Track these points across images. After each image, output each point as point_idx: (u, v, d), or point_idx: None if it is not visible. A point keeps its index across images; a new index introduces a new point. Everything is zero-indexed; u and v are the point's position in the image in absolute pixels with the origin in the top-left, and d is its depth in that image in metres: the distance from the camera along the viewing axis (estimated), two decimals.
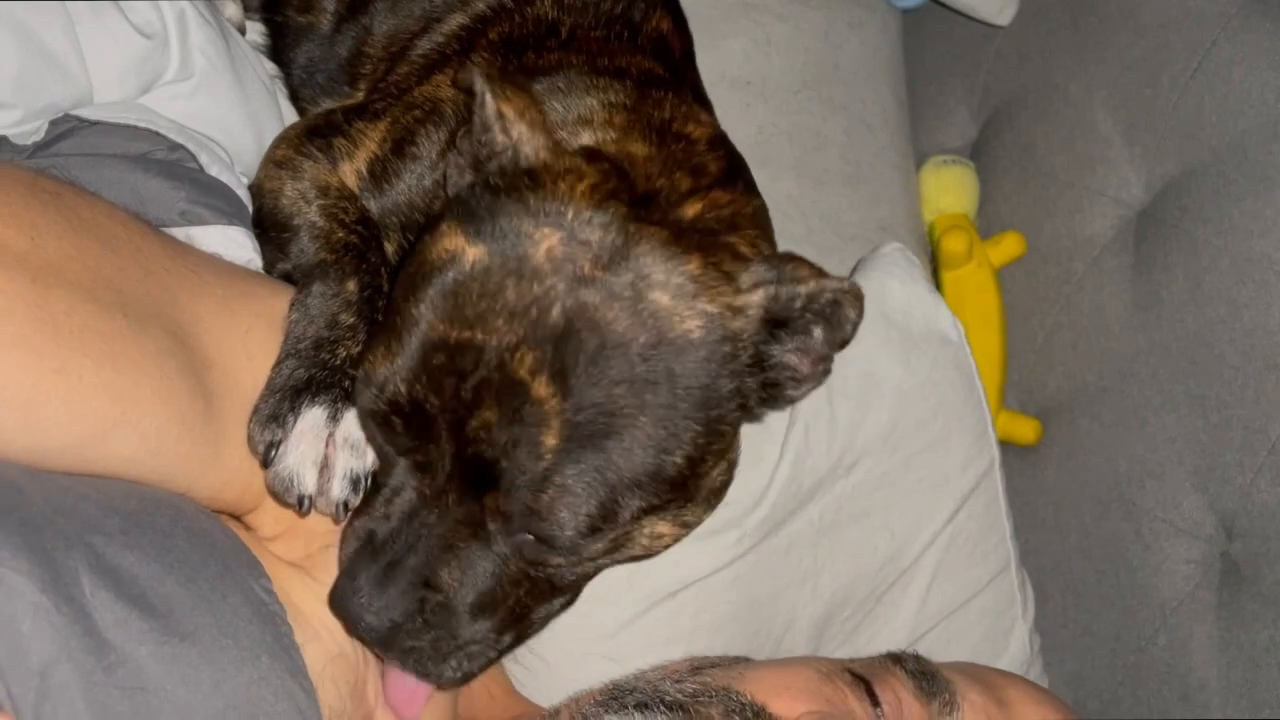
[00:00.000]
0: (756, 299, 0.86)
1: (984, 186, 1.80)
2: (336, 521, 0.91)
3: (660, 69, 1.14)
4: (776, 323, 0.87)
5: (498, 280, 0.82)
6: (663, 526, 0.90)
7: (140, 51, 1.06)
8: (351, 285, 0.96)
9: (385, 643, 0.87)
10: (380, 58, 1.25)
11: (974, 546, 1.30)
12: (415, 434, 0.83)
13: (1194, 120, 1.52)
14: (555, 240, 0.83)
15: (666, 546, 0.93)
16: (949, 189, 1.79)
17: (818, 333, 0.89)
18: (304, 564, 0.94)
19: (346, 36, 1.28)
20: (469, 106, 0.94)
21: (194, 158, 1.06)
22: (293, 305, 0.95)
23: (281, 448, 0.88)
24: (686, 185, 0.96)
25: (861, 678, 1.01)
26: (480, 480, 0.82)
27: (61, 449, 0.79)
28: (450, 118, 1.07)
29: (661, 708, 0.97)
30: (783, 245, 1.53)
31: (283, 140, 1.12)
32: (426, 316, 0.83)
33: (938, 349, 1.28)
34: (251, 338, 0.92)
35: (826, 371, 0.92)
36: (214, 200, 1.03)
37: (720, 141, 1.06)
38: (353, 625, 0.87)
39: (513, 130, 0.89)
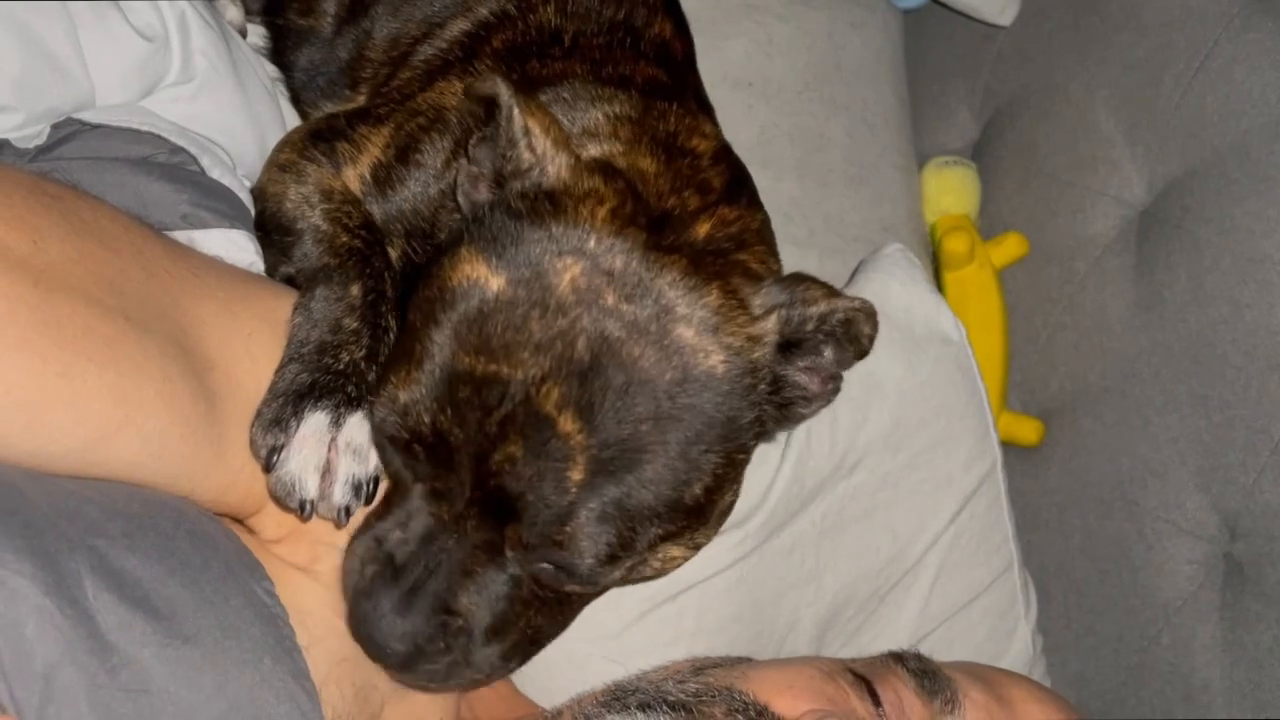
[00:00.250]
0: (772, 325, 0.87)
1: (986, 187, 1.80)
2: (338, 526, 0.91)
3: (663, 75, 1.14)
4: (789, 344, 0.89)
5: (523, 312, 0.82)
6: (675, 550, 0.91)
7: (142, 54, 1.06)
8: (355, 290, 0.96)
9: (405, 666, 0.87)
10: (381, 62, 1.25)
11: (977, 547, 1.30)
12: (436, 463, 0.84)
13: (1196, 120, 1.52)
14: (578, 270, 0.83)
15: (677, 566, 0.94)
16: (951, 190, 1.79)
17: (828, 352, 0.91)
18: (307, 567, 0.94)
19: (347, 40, 1.28)
20: (479, 115, 0.94)
21: (196, 161, 1.06)
22: (296, 309, 0.95)
23: (284, 452, 0.88)
24: (695, 203, 0.96)
25: (863, 677, 1.01)
26: (500, 511, 0.83)
27: (64, 452, 0.79)
28: (455, 126, 1.07)
29: (664, 707, 0.97)
30: (785, 247, 1.53)
31: (286, 144, 1.13)
32: (450, 346, 0.83)
33: (939, 350, 1.28)
34: (254, 340, 0.92)
35: (836, 390, 0.94)
36: (216, 203, 1.03)
37: (723, 154, 1.06)
38: (377, 650, 0.87)
39: (538, 146, 0.89)
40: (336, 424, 0.90)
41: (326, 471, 0.89)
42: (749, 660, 1.14)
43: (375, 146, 1.09)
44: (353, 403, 0.91)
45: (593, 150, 0.98)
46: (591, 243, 0.85)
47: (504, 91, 0.89)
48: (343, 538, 0.93)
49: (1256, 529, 1.39)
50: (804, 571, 1.20)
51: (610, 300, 0.83)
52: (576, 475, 0.80)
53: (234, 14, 1.33)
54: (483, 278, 0.84)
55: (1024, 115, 1.78)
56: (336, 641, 0.91)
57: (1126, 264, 1.58)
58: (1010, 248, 1.72)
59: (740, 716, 0.96)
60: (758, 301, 0.88)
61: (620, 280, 0.84)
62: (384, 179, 1.07)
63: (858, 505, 1.23)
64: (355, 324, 0.95)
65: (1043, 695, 1.11)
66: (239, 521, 0.95)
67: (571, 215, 0.86)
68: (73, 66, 1.02)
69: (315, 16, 1.31)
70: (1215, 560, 1.43)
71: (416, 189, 1.06)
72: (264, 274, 1.04)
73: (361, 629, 0.87)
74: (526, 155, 0.89)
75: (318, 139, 1.10)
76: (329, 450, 0.89)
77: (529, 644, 0.92)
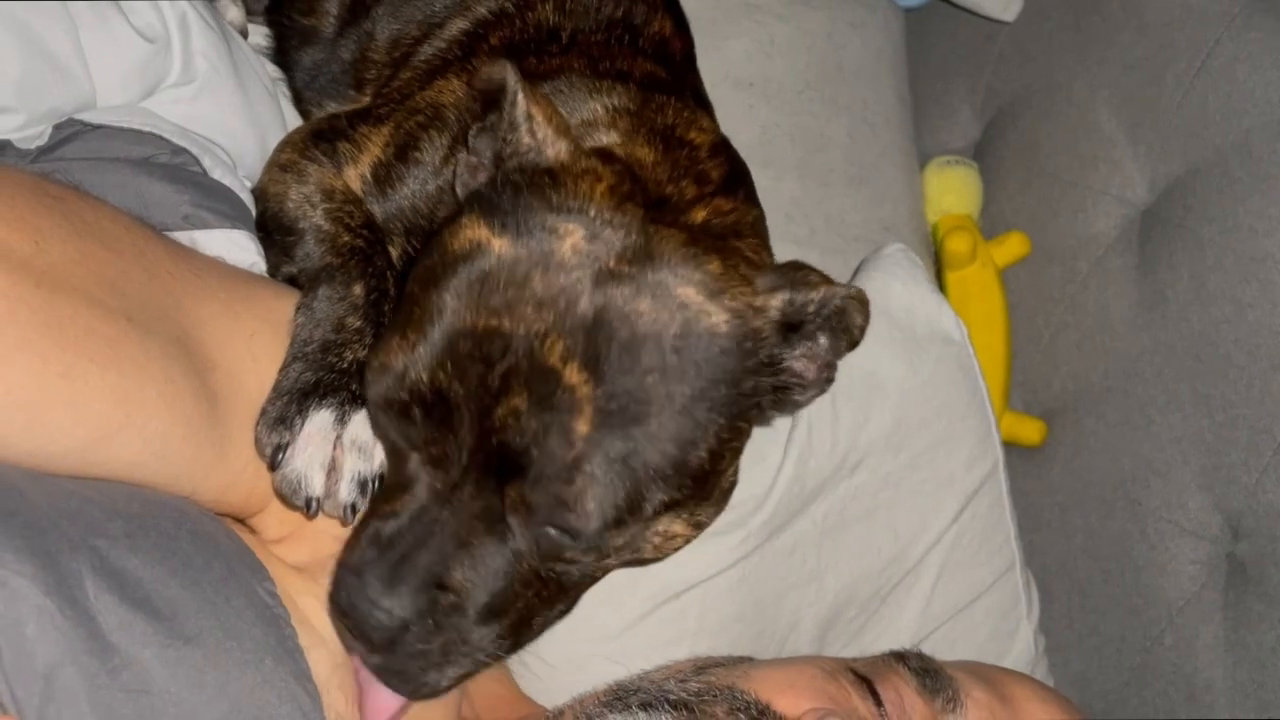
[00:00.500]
0: (776, 302, 0.87)
1: (988, 187, 1.80)
2: (344, 524, 0.90)
3: (662, 72, 1.15)
4: (789, 327, 0.88)
5: (524, 271, 0.82)
6: (677, 525, 0.89)
7: (143, 55, 1.06)
8: (358, 289, 0.97)
9: (391, 645, 0.83)
10: (384, 62, 1.25)
11: (979, 547, 1.30)
12: (434, 424, 0.82)
13: (1198, 119, 1.52)
14: (579, 235, 0.83)
15: (677, 549, 0.92)
16: (952, 189, 1.79)
17: (823, 340, 0.90)
18: (309, 568, 0.94)
19: (349, 40, 1.28)
20: (476, 110, 0.94)
21: (197, 161, 1.06)
22: (299, 309, 0.95)
23: (289, 450, 0.88)
24: (692, 193, 0.96)
25: (864, 677, 1.01)
26: (502, 471, 0.81)
27: (66, 453, 0.79)
28: (453, 123, 1.07)
29: (666, 707, 0.97)
30: (786, 246, 1.53)
31: (287, 144, 1.13)
32: (451, 305, 0.82)
33: (941, 350, 1.28)
34: (256, 341, 0.92)
35: (830, 379, 0.93)
36: (217, 204, 1.03)
37: (721, 148, 1.06)
38: (359, 625, 0.83)
39: (539, 131, 0.89)
40: (341, 421, 0.90)
41: (332, 469, 0.89)
42: (750, 660, 1.14)
43: (376, 145, 1.09)
44: (357, 400, 0.90)
45: (591, 141, 0.99)
46: (591, 213, 0.85)
47: (511, 76, 0.89)
48: (345, 537, 0.92)
49: (1259, 529, 1.38)
50: (805, 571, 1.20)
51: (612, 263, 0.82)
52: (583, 427, 0.79)
53: (235, 14, 1.33)
54: (485, 240, 0.84)
55: (1026, 115, 1.77)
56: (339, 643, 0.91)
57: (1129, 263, 1.57)
58: (1012, 247, 1.72)
59: (742, 715, 0.96)
60: (760, 282, 0.87)
61: (621, 247, 0.83)
62: (383, 178, 1.07)
63: (859, 505, 1.23)
64: (359, 323, 0.95)
65: (1045, 695, 1.11)
66: (241, 522, 0.95)
67: (571, 188, 0.86)
68: (74, 67, 1.02)
69: (317, 16, 1.31)
70: (1218, 560, 1.43)
71: (415, 186, 1.06)
72: (266, 274, 1.04)
73: (343, 602, 0.83)
74: (527, 139, 0.89)
75: (319, 139, 1.11)
76: (334, 448, 0.89)
77: (526, 627, 0.89)
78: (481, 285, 0.82)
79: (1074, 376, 1.61)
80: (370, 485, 0.90)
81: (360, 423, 0.90)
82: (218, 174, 1.07)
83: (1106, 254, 1.61)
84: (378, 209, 1.07)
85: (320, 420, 0.89)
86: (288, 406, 0.89)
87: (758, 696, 0.98)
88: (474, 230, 0.85)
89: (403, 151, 1.08)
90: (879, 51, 1.78)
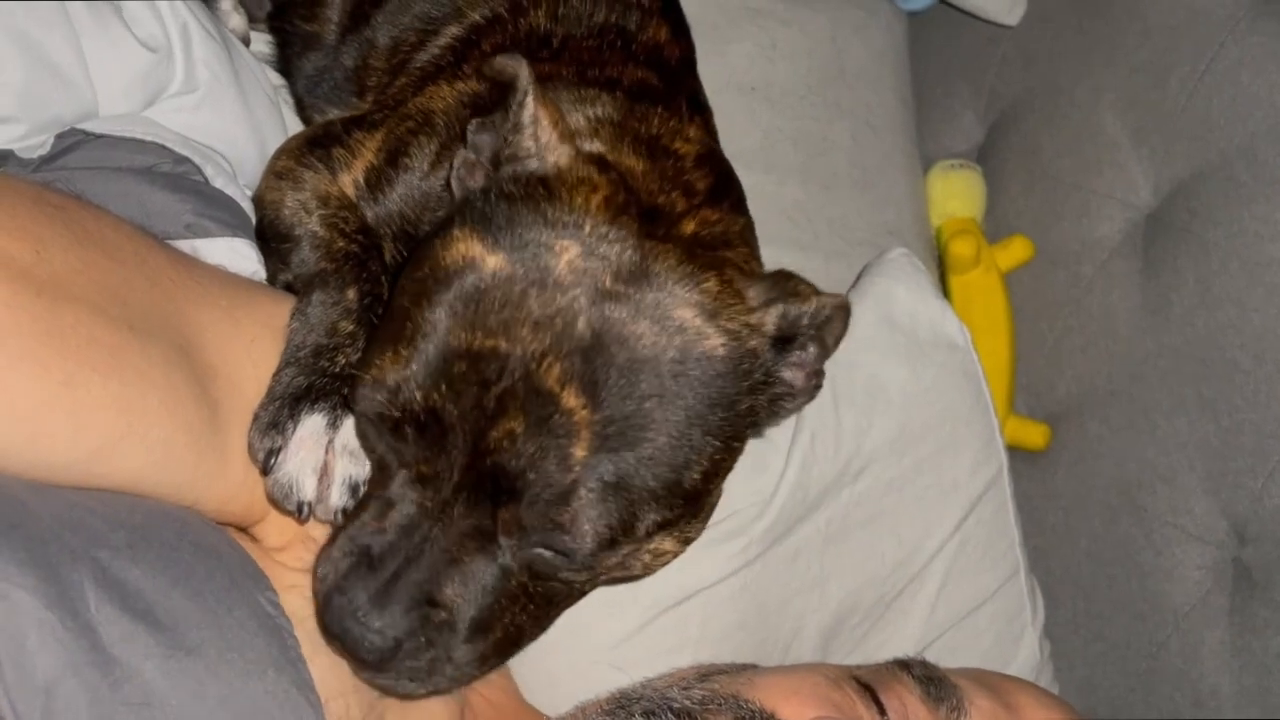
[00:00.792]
0: (770, 318, 0.87)
1: (991, 190, 1.80)
2: (334, 528, 0.90)
3: (654, 78, 1.14)
4: (783, 341, 0.89)
5: (520, 289, 0.81)
6: (667, 543, 0.89)
7: (145, 65, 1.06)
8: (351, 293, 0.96)
9: (383, 664, 0.83)
10: (384, 69, 1.25)
11: (983, 553, 1.29)
12: (427, 443, 0.82)
13: (1202, 123, 1.51)
14: (575, 252, 0.83)
15: (664, 565, 0.92)
16: (956, 193, 1.78)
17: (812, 348, 0.91)
18: (310, 574, 0.94)
19: (351, 47, 1.28)
20: (466, 117, 0.93)
21: (199, 170, 1.06)
22: (293, 314, 0.95)
23: (281, 455, 0.88)
24: (682, 204, 0.96)
25: (868, 685, 1.01)
26: (495, 492, 0.81)
27: (68, 463, 0.79)
28: (441, 129, 1.07)
29: (669, 715, 0.97)
30: (790, 251, 1.54)
31: (283, 151, 1.13)
32: (445, 323, 0.81)
33: (944, 354, 1.28)
34: (256, 348, 0.92)
35: (819, 386, 0.93)
36: (219, 212, 1.03)
37: (707, 158, 1.06)
38: (352, 645, 0.83)
39: (543, 136, 0.89)
40: (333, 426, 0.90)
41: (324, 474, 0.89)
42: (754, 667, 1.14)
43: (369, 151, 1.09)
44: (349, 405, 0.90)
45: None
46: (587, 227, 0.84)
47: (524, 74, 0.88)
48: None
49: (1265, 534, 1.38)
50: (809, 578, 1.20)
51: (608, 282, 0.82)
52: (580, 452, 0.79)
53: (237, 22, 1.33)
54: (478, 256, 0.83)
55: (1029, 118, 1.77)
56: None
57: (1133, 267, 1.57)
58: (1016, 251, 1.71)
59: None
60: (752, 294, 0.88)
61: (617, 264, 0.83)
62: (375, 183, 1.07)
63: (863, 511, 1.23)
64: (351, 327, 0.94)
65: (1049, 702, 1.11)
66: (244, 531, 0.95)
67: (566, 200, 0.85)
68: (76, 77, 1.02)
69: (319, 23, 1.31)
70: (1224, 565, 1.43)
71: (404, 191, 1.06)
72: (266, 282, 1.05)
73: (334, 625, 0.83)
74: (529, 143, 0.89)
75: (314, 145, 1.11)
76: (326, 452, 0.89)
77: (509, 644, 0.89)
78: (477, 303, 0.81)
79: (1078, 380, 1.61)
80: (361, 489, 0.90)
81: (352, 427, 0.90)
82: (219, 183, 1.07)
83: (1111, 258, 1.61)
84: (370, 213, 1.07)
85: (312, 425, 0.89)
86: (280, 411, 0.89)
87: (761, 704, 0.98)
88: (466, 245, 0.84)
89: (393, 157, 1.08)
90: (882, 55, 1.78)
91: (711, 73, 1.30)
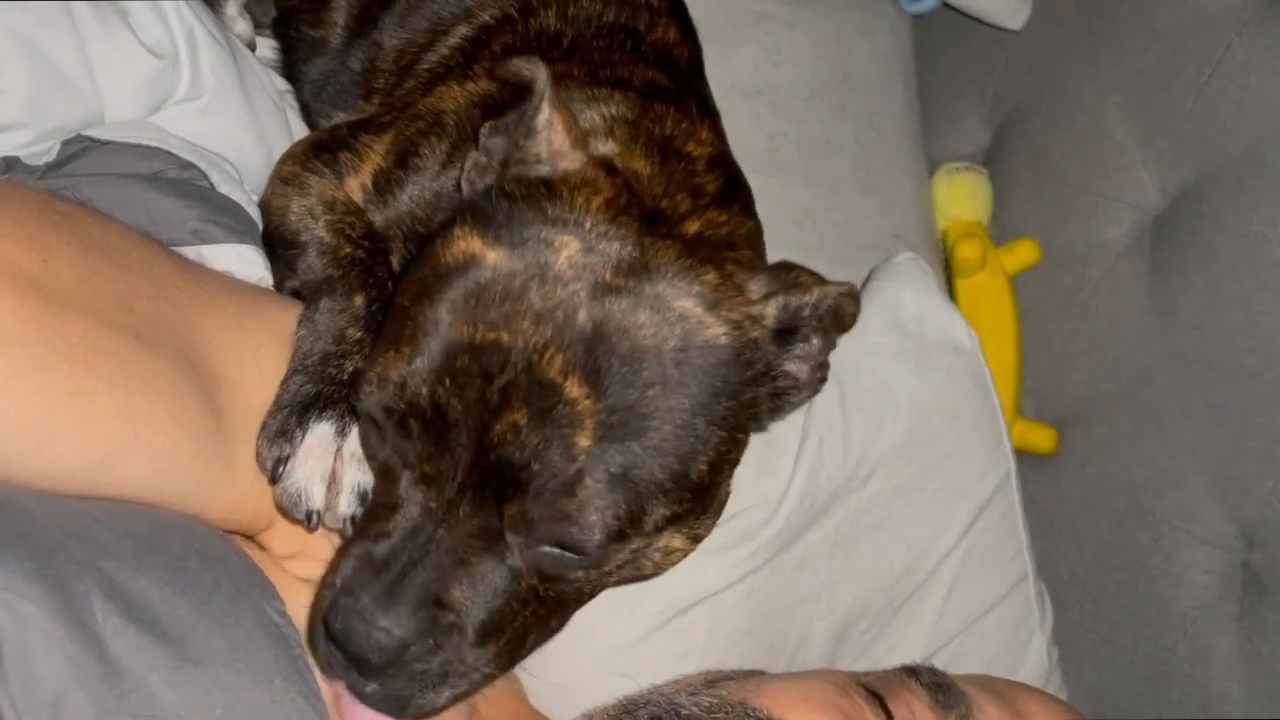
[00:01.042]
0: (771, 309, 0.87)
1: (997, 193, 1.80)
2: (343, 537, 0.89)
3: (664, 79, 1.14)
4: (785, 332, 0.88)
5: (521, 283, 0.81)
6: (677, 540, 0.89)
7: (151, 71, 1.06)
8: (359, 300, 0.96)
9: (388, 667, 0.81)
10: (391, 71, 1.25)
11: (991, 558, 1.29)
12: (432, 440, 0.81)
13: (1209, 125, 1.51)
14: (575, 248, 0.83)
15: (675, 564, 0.92)
16: (962, 196, 1.78)
17: (815, 340, 0.91)
18: (318, 583, 0.93)
19: (358, 51, 1.28)
20: (477, 118, 0.93)
21: (205, 176, 1.06)
22: (300, 321, 0.95)
23: (289, 463, 0.87)
24: (686, 206, 0.96)
25: (876, 693, 1.00)
26: (501, 487, 0.80)
27: (75, 472, 0.79)
28: (452, 130, 1.07)
29: None
30: (795, 254, 1.52)
31: (289, 157, 1.13)
32: (447, 318, 0.81)
33: (952, 358, 1.27)
34: (263, 355, 0.92)
35: (824, 379, 0.93)
36: (225, 218, 1.03)
37: (718, 161, 1.06)
38: (356, 647, 0.81)
39: (555, 142, 0.89)
40: (341, 434, 0.89)
41: (332, 482, 0.88)
42: (761, 674, 1.13)
43: (377, 155, 1.09)
44: (357, 412, 0.90)
45: (591, 150, 0.98)
46: (587, 225, 0.84)
47: (541, 78, 0.88)
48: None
49: (1274, 538, 1.37)
50: (816, 584, 1.20)
51: (608, 276, 0.82)
52: (584, 441, 0.78)
53: (243, 28, 1.33)
54: (478, 252, 0.83)
55: (1035, 120, 1.77)
56: None
57: (1140, 270, 1.56)
58: (1023, 254, 1.71)
59: None
60: (753, 287, 0.88)
61: (617, 259, 0.83)
62: (384, 186, 1.07)
63: (870, 517, 1.22)
64: (359, 334, 0.94)
65: (1059, 708, 1.10)
66: (251, 539, 0.94)
67: (567, 200, 0.86)
68: (82, 84, 1.02)
69: (325, 28, 1.31)
70: (1232, 570, 1.42)
71: (414, 192, 1.06)
72: (273, 288, 1.04)
73: (339, 624, 0.81)
74: (541, 148, 0.89)
75: (320, 150, 1.11)
76: (335, 460, 0.89)
77: (519, 647, 0.88)
78: (478, 298, 0.81)
79: (1086, 384, 1.60)
80: (369, 497, 0.89)
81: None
82: (225, 189, 1.07)
83: (1118, 261, 1.60)
84: (378, 217, 1.07)
85: (320, 433, 0.89)
86: (288, 419, 0.88)
87: (769, 712, 0.98)
88: (467, 242, 0.84)
89: (403, 158, 1.08)
90: (887, 58, 1.78)
91: (716, 76, 1.30)
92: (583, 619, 0.96)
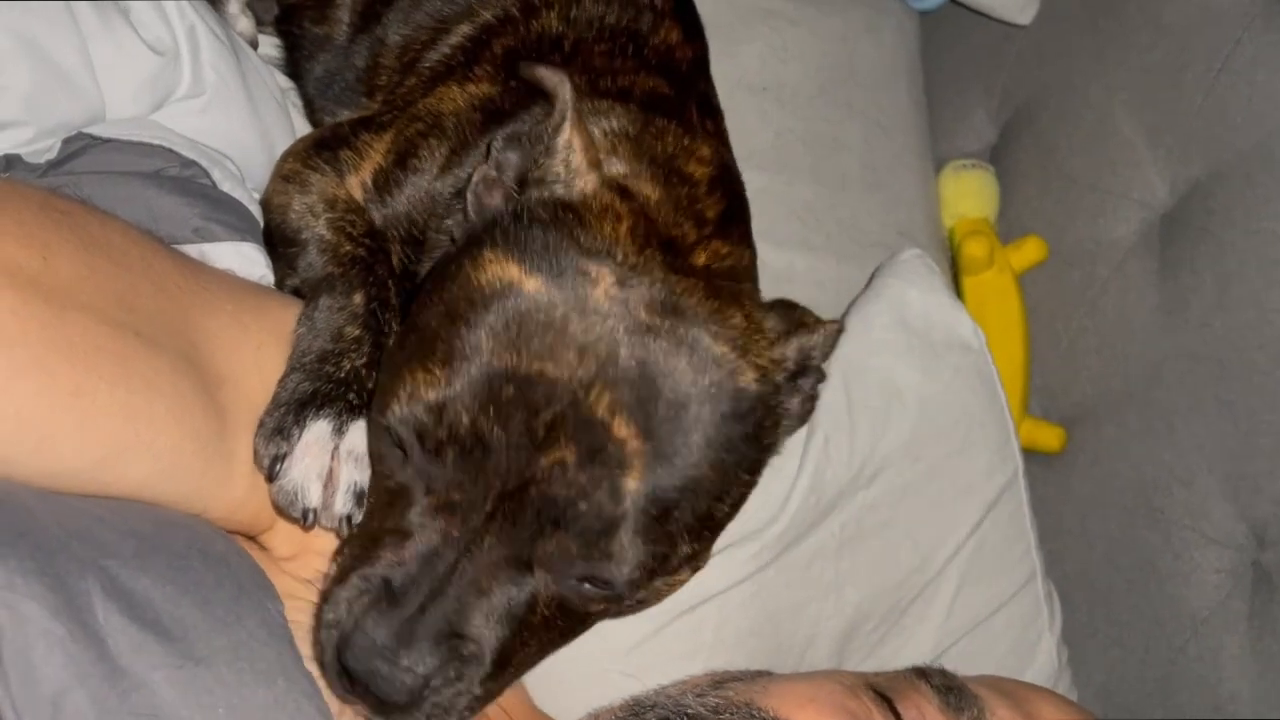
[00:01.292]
0: (790, 353, 0.88)
1: (1004, 190, 1.79)
2: (339, 536, 0.89)
3: (665, 86, 1.14)
4: (796, 372, 0.90)
5: (562, 313, 0.80)
6: (684, 574, 0.91)
7: (152, 69, 1.06)
8: (358, 298, 0.96)
9: (410, 705, 0.80)
10: (394, 69, 1.25)
11: (999, 557, 1.28)
12: (464, 469, 0.80)
13: (1218, 122, 1.50)
14: (610, 281, 0.83)
15: (675, 592, 0.93)
16: (969, 193, 1.77)
17: (813, 376, 0.93)
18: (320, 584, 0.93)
19: (362, 47, 1.28)
20: (476, 121, 0.92)
21: (207, 174, 1.05)
22: (300, 319, 0.94)
23: (286, 461, 0.86)
24: (693, 235, 0.97)
25: (884, 695, 1.00)
26: (538, 522, 0.79)
27: (75, 471, 0.78)
28: (451, 132, 1.06)
29: None
30: (801, 252, 1.53)
31: (290, 154, 1.12)
32: (488, 344, 0.80)
33: (959, 357, 1.27)
34: (264, 353, 0.91)
35: (811, 410, 0.94)
36: (227, 216, 1.03)
37: (719, 180, 1.06)
38: (381, 686, 0.79)
39: (574, 162, 0.89)
40: (339, 432, 0.89)
41: (329, 480, 0.88)
42: (769, 674, 1.13)
43: (378, 153, 1.08)
44: (354, 410, 0.89)
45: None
46: (619, 256, 0.84)
47: (565, 94, 0.88)
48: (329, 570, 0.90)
49: None
50: (823, 584, 1.19)
51: (643, 314, 0.82)
52: (632, 484, 0.78)
53: (245, 25, 1.33)
54: (516, 279, 0.82)
55: (1043, 117, 1.76)
56: None
57: (1149, 268, 1.56)
58: (1030, 252, 1.70)
59: None
60: (769, 326, 0.89)
61: (649, 296, 0.83)
62: (383, 185, 1.07)
63: (877, 516, 1.22)
64: (357, 331, 0.94)
65: (1069, 710, 1.10)
66: (253, 540, 0.94)
67: (596, 228, 0.85)
68: (83, 81, 1.02)
69: (330, 24, 1.31)
70: (1243, 569, 1.41)
71: (411, 193, 1.06)
72: (274, 286, 1.04)
73: (360, 666, 0.79)
74: (559, 168, 0.88)
75: (321, 148, 1.10)
76: (331, 458, 0.88)
77: (525, 667, 0.89)
78: (520, 326, 0.80)
79: (1094, 382, 1.60)
80: (365, 497, 0.89)
81: (357, 433, 0.89)
82: (227, 186, 1.07)
83: (1126, 258, 1.59)
84: (378, 216, 1.07)
85: (318, 430, 0.88)
86: (285, 417, 0.88)
87: (777, 713, 0.97)
88: (501, 267, 0.83)
89: (402, 159, 1.07)
90: (893, 55, 1.77)
91: (723, 73, 1.30)
92: None
